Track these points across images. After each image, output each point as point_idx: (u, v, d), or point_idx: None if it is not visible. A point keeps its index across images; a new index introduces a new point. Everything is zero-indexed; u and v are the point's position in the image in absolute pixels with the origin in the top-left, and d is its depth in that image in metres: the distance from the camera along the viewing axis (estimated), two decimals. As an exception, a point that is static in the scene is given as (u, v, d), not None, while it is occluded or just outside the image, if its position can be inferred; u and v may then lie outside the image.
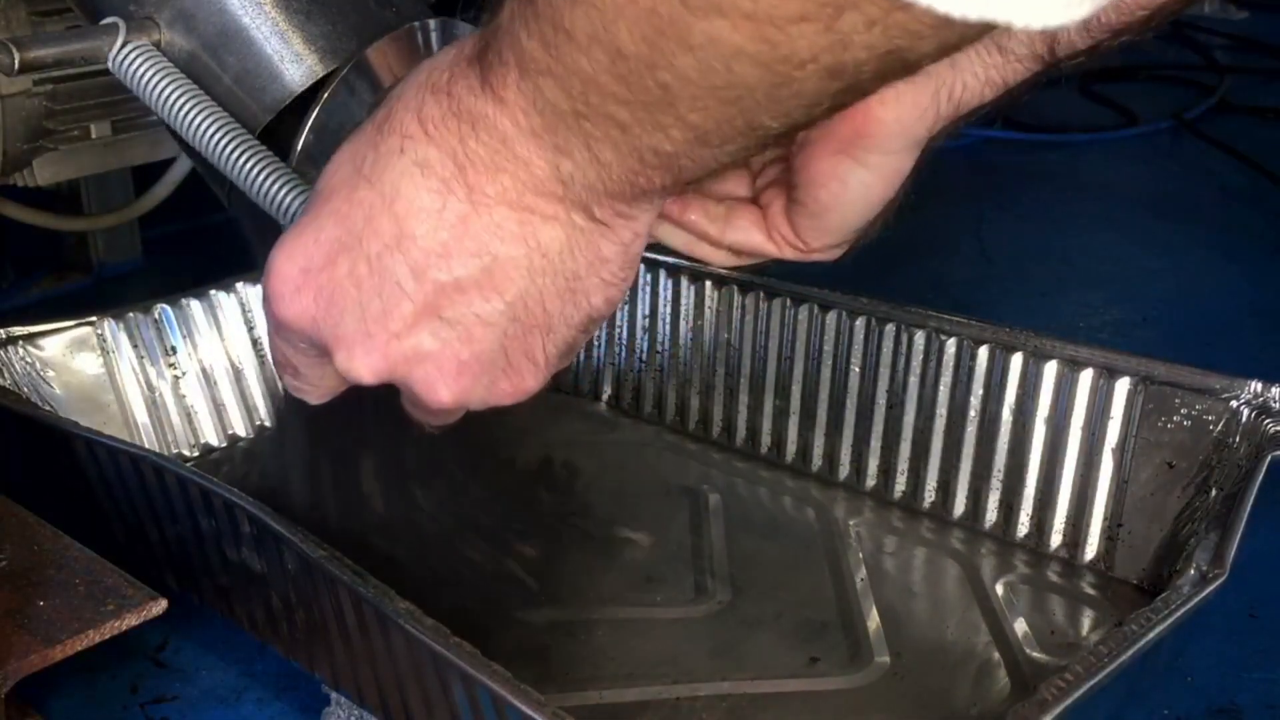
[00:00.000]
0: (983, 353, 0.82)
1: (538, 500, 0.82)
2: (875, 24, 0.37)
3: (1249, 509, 0.66)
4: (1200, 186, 1.66)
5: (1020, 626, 0.74)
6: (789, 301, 0.89)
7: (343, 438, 0.89)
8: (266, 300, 0.53)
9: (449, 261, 0.49)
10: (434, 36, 0.72)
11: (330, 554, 0.61)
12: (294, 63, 0.70)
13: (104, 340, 0.88)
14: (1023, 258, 1.40)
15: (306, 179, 0.66)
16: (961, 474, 0.83)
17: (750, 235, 0.62)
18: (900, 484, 0.86)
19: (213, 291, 0.92)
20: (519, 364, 0.52)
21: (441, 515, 0.81)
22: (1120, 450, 0.77)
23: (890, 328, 0.85)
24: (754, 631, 0.73)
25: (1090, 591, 0.77)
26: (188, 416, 0.90)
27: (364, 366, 0.52)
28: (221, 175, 0.68)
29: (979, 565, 0.80)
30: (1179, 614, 0.60)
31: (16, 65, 0.68)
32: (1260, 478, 0.69)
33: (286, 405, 0.92)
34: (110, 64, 0.69)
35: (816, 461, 0.89)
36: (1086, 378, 0.79)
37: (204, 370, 0.91)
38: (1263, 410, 0.73)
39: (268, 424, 0.93)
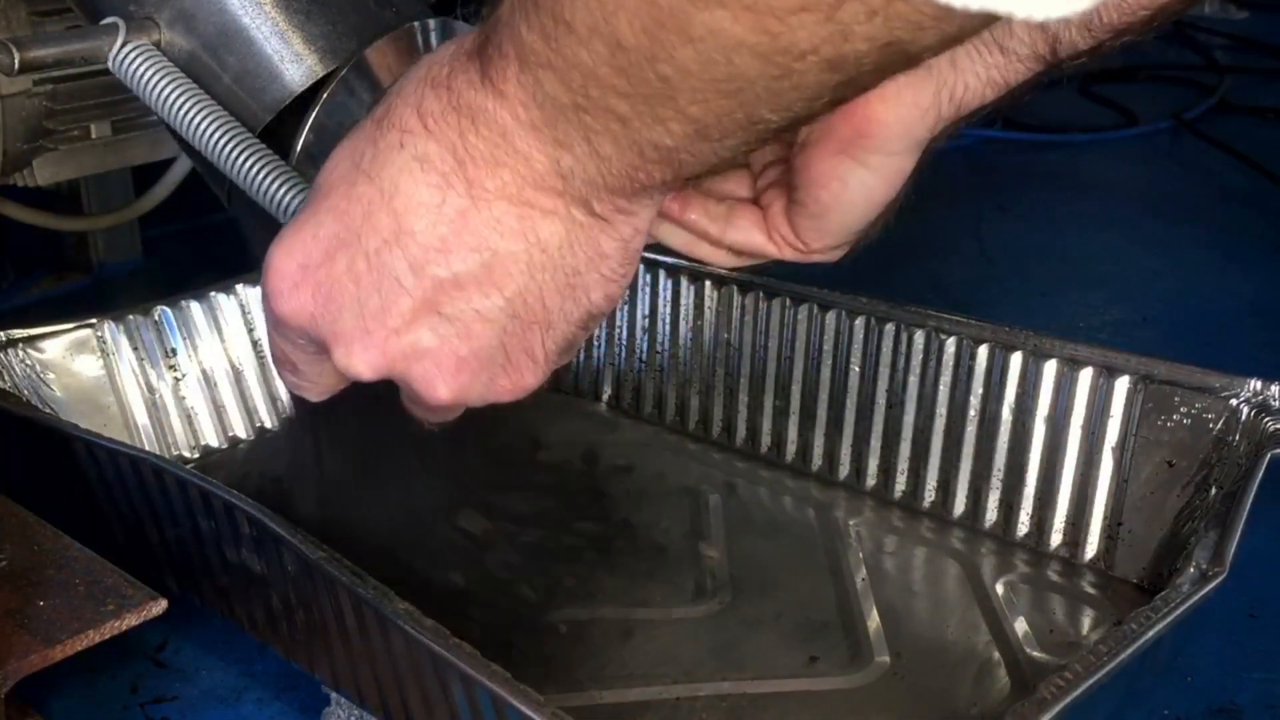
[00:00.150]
0: (982, 352, 0.82)
1: (537, 501, 0.82)
2: (876, 14, 0.37)
3: (1249, 507, 0.66)
4: (1200, 186, 1.66)
5: (1020, 626, 0.74)
6: (788, 301, 0.90)
7: (345, 436, 0.90)
8: (265, 296, 0.53)
9: (448, 257, 0.49)
10: (434, 36, 0.72)
11: (329, 555, 0.61)
12: (294, 63, 0.70)
13: (104, 342, 0.88)
14: (1023, 258, 1.40)
15: (306, 178, 0.66)
16: (961, 473, 0.83)
17: (750, 235, 0.62)
18: (900, 483, 0.86)
19: (213, 293, 0.92)
20: (518, 360, 0.52)
21: (438, 515, 0.81)
22: (1120, 449, 0.78)
23: (890, 327, 0.85)
24: (754, 631, 0.73)
25: (1090, 590, 0.77)
26: (188, 418, 0.90)
27: (362, 363, 0.52)
28: (221, 175, 0.68)
29: (979, 564, 0.80)
30: (1178, 612, 0.60)
31: (16, 65, 0.68)
32: (1260, 476, 0.69)
33: (296, 408, 0.93)
34: (110, 64, 0.69)
35: (816, 461, 0.89)
36: (1086, 377, 0.79)
37: (204, 372, 0.91)
38: (1262, 408, 0.73)
39: (268, 425, 0.93)
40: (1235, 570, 0.63)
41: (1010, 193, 1.60)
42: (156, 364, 0.90)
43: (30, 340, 0.86)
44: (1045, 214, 1.53)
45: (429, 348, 0.51)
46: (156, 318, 0.90)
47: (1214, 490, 0.72)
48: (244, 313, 0.92)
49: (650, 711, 0.67)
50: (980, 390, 0.82)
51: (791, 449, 0.90)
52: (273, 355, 0.58)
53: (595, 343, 0.99)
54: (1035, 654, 0.71)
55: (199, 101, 0.68)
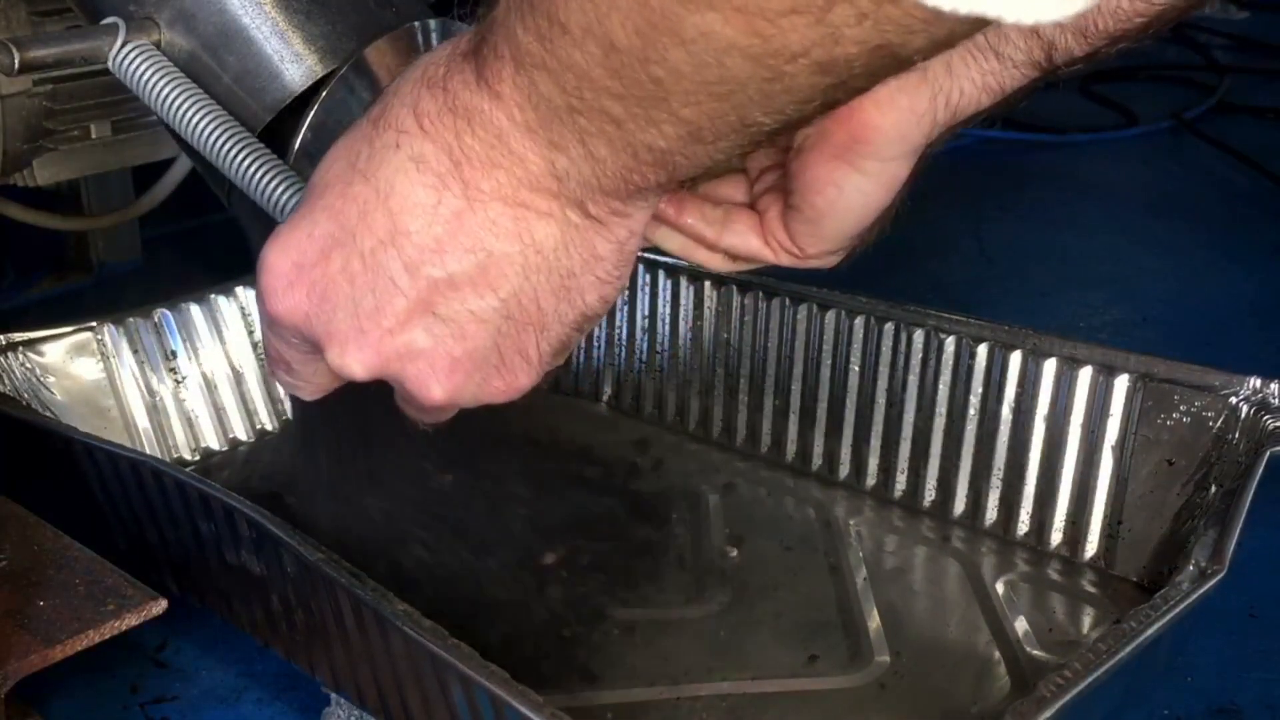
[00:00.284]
0: (982, 351, 0.82)
1: (536, 502, 0.82)
2: (866, 18, 0.37)
3: (1248, 505, 0.66)
4: (1200, 186, 1.66)
5: (1020, 625, 0.74)
6: (788, 301, 0.90)
7: (340, 436, 0.89)
8: (259, 295, 0.53)
9: (443, 257, 0.49)
10: (434, 36, 0.72)
11: (328, 556, 0.61)
12: (294, 62, 0.70)
13: (104, 345, 0.88)
14: (1023, 258, 1.40)
15: (304, 177, 0.65)
16: (961, 472, 0.83)
17: (747, 240, 0.62)
18: (900, 483, 0.86)
19: (213, 295, 0.92)
20: (512, 361, 0.52)
21: (435, 515, 0.81)
22: (1120, 448, 0.78)
23: (889, 327, 0.85)
24: (754, 631, 0.73)
25: (1090, 589, 0.77)
26: (188, 421, 0.90)
27: (356, 363, 0.52)
28: (221, 175, 0.68)
29: (979, 564, 0.80)
30: (1177, 610, 0.60)
31: (16, 65, 0.68)
32: (1259, 473, 0.69)
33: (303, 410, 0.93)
34: (110, 64, 0.69)
35: (816, 461, 0.89)
36: (1086, 375, 0.79)
37: (204, 374, 0.91)
38: (1262, 406, 0.73)
39: (269, 428, 0.93)
40: (1235, 569, 0.63)
41: (1010, 193, 1.60)
42: (157, 367, 0.90)
43: (30, 344, 0.86)
44: (1045, 214, 1.53)
45: (423, 348, 0.51)
46: (156, 320, 0.90)
47: (1214, 488, 0.72)
48: (244, 315, 0.92)
49: (650, 711, 0.67)
50: (980, 389, 0.82)
51: (791, 449, 0.90)
52: (267, 353, 0.58)
53: (595, 343, 0.99)
54: (1035, 653, 0.71)
55: (199, 101, 0.68)
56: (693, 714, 0.67)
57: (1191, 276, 1.34)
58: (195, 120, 0.67)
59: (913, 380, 0.85)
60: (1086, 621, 0.75)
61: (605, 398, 0.99)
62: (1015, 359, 0.81)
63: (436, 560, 0.77)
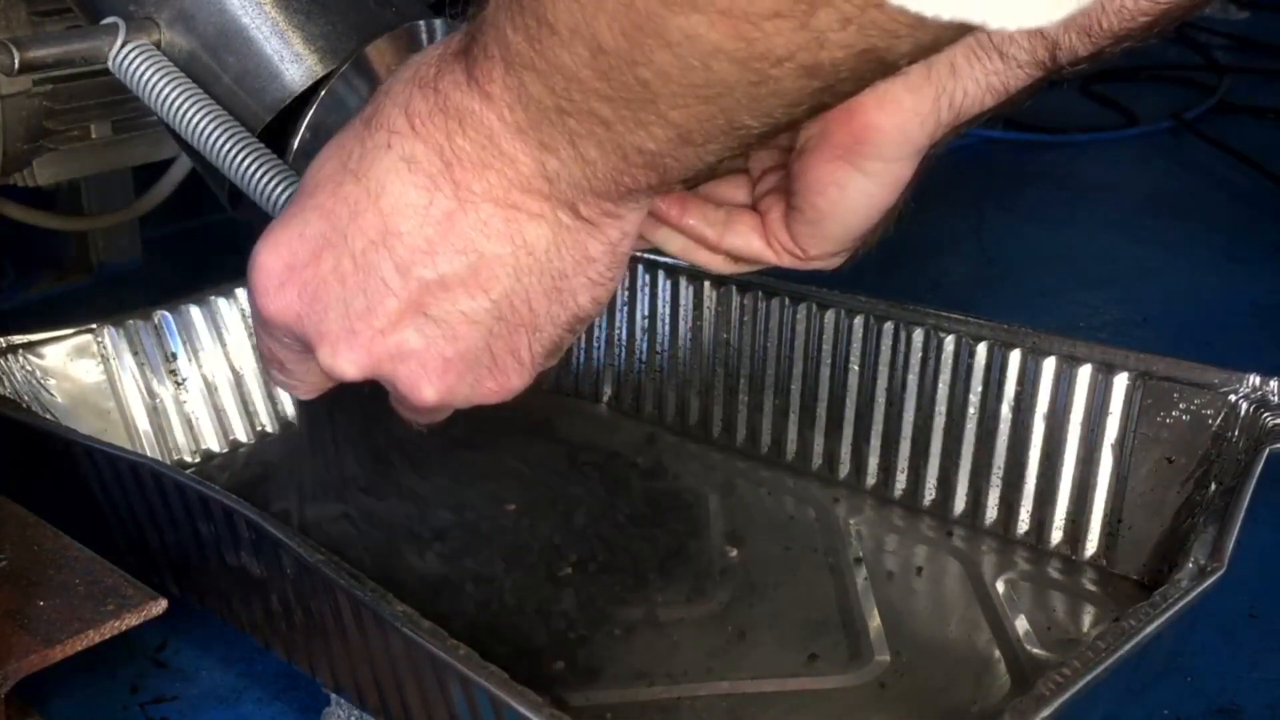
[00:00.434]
0: (981, 350, 0.82)
1: (535, 504, 0.82)
2: (850, 22, 0.37)
3: (1247, 503, 0.66)
4: (1200, 186, 1.66)
5: (1021, 624, 0.74)
6: (787, 301, 0.90)
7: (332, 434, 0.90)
8: (250, 294, 0.53)
9: (434, 258, 0.49)
10: (437, 36, 0.72)
11: (328, 558, 0.61)
12: (294, 62, 0.70)
13: (104, 347, 0.88)
14: (1023, 258, 1.40)
15: (304, 177, 0.66)
16: (961, 471, 0.83)
17: (749, 241, 0.62)
18: (900, 482, 0.86)
19: (213, 297, 0.92)
20: (504, 363, 0.52)
21: (432, 516, 0.81)
22: (1119, 446, 0.78)
23: (889, 326, 0.85)
24: (754, 631, 0.73)
25: (1091, 588, 0.77)
26: (189, 422, 0.90)
27: (348, 363, 0.52)
28: (221, 175, 0.68)
29: (979, 563, 0.80)
30: (1177, 608, 0.60)
31: (16, 65, 0.68)
32: (1259, 471, 0.69)
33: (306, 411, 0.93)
34: (110, 64, 0.70)
35: (816, 460, 0.89)
36: (1085, 374, 0.79)
37: (204, 376, 0.91)
38: (1261, 404, 0.73)
39: (269, 429, 0.93)
40: (1235, 569, 0.63)
41: (1010, 193, 1.60)
42: (157, 369, 0.90)
43: (30, 346, 0.86)
44: (1045, 214, 1.53)
45: (415, 349, 0.51)
46: (156, 322, 0.90)
47: (1213, 486, 0.72)
48: (244, 317, 0.92)
49: (650, 711, 0.67)
50: (980, 388, 0.82)
51: (791, 449, 0.90)
52: (260, 353, 0.58)
53: (595, 343, 0.99)
54: (1035, 651, 0.71)
55: (198, 101, 0.68)
56: (693, 714, 0.67)
57: (1191, 276, 1.34)
58: (195, 120, 0.67)
59: (912, 379, 0.85)
60: (1087, 620, 0.75)
61: (605, 398, 0.99)
62: (1015, 358, 0.81)
63: (436, 560, 0.77)
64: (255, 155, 0.66)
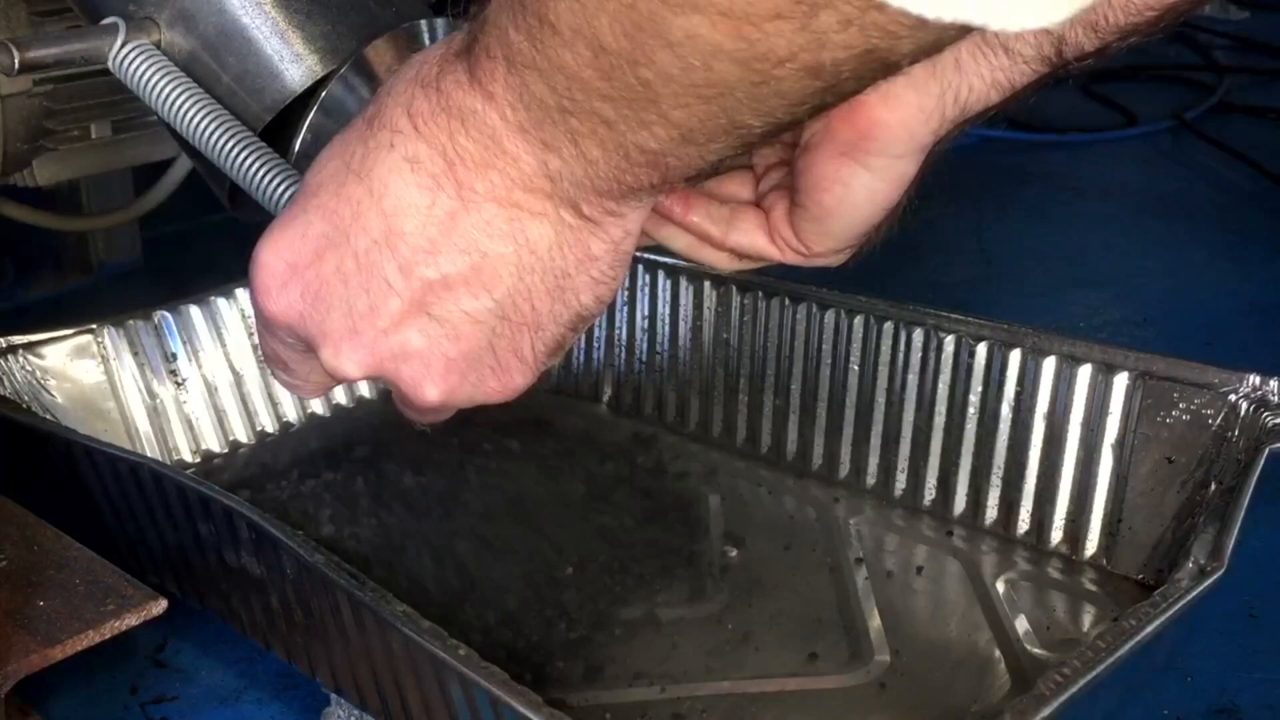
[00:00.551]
0: (981, 350, 0.82)
1: (536, 504, 0.82)
2: (851, 23, 0.37)
3: (1247, 502, 0.66)
4: (1200, 186, 1.66)
5: (1021, 624, 0.73)
6: (787, 301, 0.90)
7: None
8: (253, 294, 0.53)
9: (437, 258, 0.49)
10: (438, 36, 0.72)
11: (328, 558, 0.61)
12: (294, 63, 0.70)
13: (104, 348, 0.88)
14: (1023, 258, 1.40)
15: (305, 177, 0.66)
16: (961, 471, 0.83)
17: (753, 238, 0.62)
18: (900, 482, 0.86)
19: (213, 297, 0.92)
20: (507, 362, 0.52)
21: (432, 516, 0.81)
22: (1119, 446, 0.78)
23: (889, 326, 0.85)
24: (754, 631, 0.73)
25: (1091, 588, 0.77)
26: (188, 423, 0.90)
27: (351, 363, 0.52)
28: (222, 175, 0.68)
29: (979, 563, 0.80)
30: (1177, 608, 0.60)
31: (16, 65, 0.68)
32: (1259, 471, 0.69)
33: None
34: (110, 64, 0.70)
35: (816, 460, 0.89)
36: (1085, 373, 0.79)
37: (204, 377, 0.91)
38: (1261, 403, 0.73)
39: (269, 430, 0.93)
40: (1235, 569, 0.63)
41: (1010, 193, 1.60)
42: (157, 369, 0.90)
43: (30, 346, 0.86)
44: (1045, 214, 1.53)
45: (417, 349, 0.51)
46: (156, 323, 0.90)
47: (1213, 486, 0.72)
48: (244, 317, 0.92)
49: (650, 711, 0.67)
50: (980, 388, 0.82)
51: (791, 449, 0.90)
52: (263, 353, 0.58)
53: (595, 344, 0.99)
54: (1035, 651, 0.71)
55: (199, 101, 0.68)
56: (693, 714, 0.67)
57: (1191, 276, 1.34)
58: (195, 119, 0.67)
59: (912, 379, 0.85)
60: (1087, 620, 0.75)
61: (605, 398, 0.99)
62: (1015, 357, 0.81)
63: (435, 561, 0.77)
64: (257, 154, 0.66)
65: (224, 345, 0.92)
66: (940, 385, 0.83)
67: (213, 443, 0.91)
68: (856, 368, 0.87)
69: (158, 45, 0.70)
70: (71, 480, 0.76)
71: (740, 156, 0.51)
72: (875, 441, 0.86)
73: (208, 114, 0.67)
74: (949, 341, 0.83)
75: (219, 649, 0.76)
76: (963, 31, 0.37)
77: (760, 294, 0.91)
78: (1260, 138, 1.74)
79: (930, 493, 0.85)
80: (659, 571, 0.78)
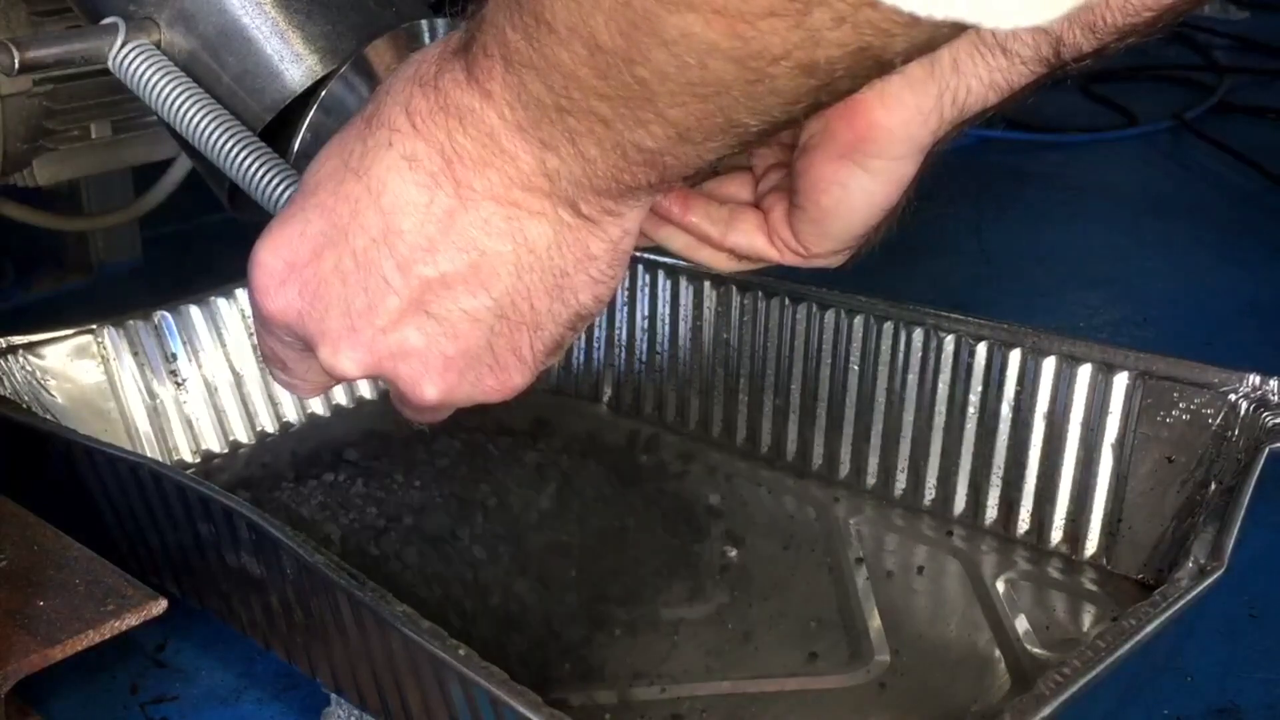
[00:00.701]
0: (981, 349, 0.82)
1: (536, 504, 0.82)
2: (844, 21, 0.37)
3: (1247, 502, 0.66)
4: (1200, 186, 1.66)
5: (1021, 623, 0.74)
6: (787, 301, 0.90)
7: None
8: (251, 293, 0.53)
9: (435, 256, 0.49)
10: (439, 36, 0.72)
11: (328, 558, 0.61)
12: (294, 62, 0.70)
13: (104, 348, 0.88)
14: (1023, 258, 1.40)
15: (305, 177, 0.65)
16: (961, 471, 0.83)
17: (752, 239, 0.62)
18: (900, 482, 0.86)
19: (213, 297, 0.92)
20: (506, 361, 0.52)
21: (432, 517, 0.81)
22: (1119, 445, 0.78)
23: (889, 326, 0.85)
24: (754, 631, 0.73)
25: (1091, 587, 0.77)
26: (188, 423, 0.90)
27: (349, 361, 0.52)
28: (222, 175, 0.68)
29: (979, 562, 0.80)
30: (1177, 608, 0.60)
31: (16, 65, 0.68)
32: (1258, 470, 0.69)
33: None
34: (110, 64, 0.70)
35: (816, 460, 0.89)
36: (1085, 373, 0.79)
37: (204, 377, 0.91)
38: (1261, 403, 0.73)
39: (269, 430, 0.93)
40: (1235, 569, 0.63)
41: (1010, 193, 1.60)
42: (157, 369, 0.90)
43: (31, 346, 0.86)
44: (1045, 214, 1.53)
45: (416, 347, 0.51)
46: (156, 323, 0.90)
47: (1213, 486, 0.72)
48: (244, 317, 0.92)
49: (650, 711, 0.67)
50: (979, 388, 0.82)
51: (791, 449, 0.90)
52: (262, 352, 0.58)
53: (595, 344, 0.99)
54: (1035, 650, 0.71)
55: (199, 101, 0.68)
56: (693, 714, 0.67)
57: (1191, 276, 1.34)
58: (195, 119, 0.67)
59: (912, 379, 0.85)
60: (1087, 619, 0.75)
61: (605, 398, 0.99)
62: (1014, 357, 0.81)
63: (434, 561, 0.77)
64: (256, 153, 0.66)
65: (224, 345, 0.92)
66: (940, 385, 0.84)
67: (213, 443, 0.91)
68: (856, 368, 0.87)
69: (158, 45, 0.70)
70: (71, 480, 0.76)
71: (738, 156, 0.51)
72: (875, 441, 0.86)
73: (207, 114, 0.67)
74: (949, 341, 0.83)
75: (219, 649, 0.76)
76: (956, 30, 0.37)
77: (760, 294, 0.91)
78: (1260, 138, 1.74)
79: (930, 493, 0.85)
80: (659, 571, 0.78)
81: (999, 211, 1.53)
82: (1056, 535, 0.80)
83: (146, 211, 1.20)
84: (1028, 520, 0.81)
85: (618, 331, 0.98)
